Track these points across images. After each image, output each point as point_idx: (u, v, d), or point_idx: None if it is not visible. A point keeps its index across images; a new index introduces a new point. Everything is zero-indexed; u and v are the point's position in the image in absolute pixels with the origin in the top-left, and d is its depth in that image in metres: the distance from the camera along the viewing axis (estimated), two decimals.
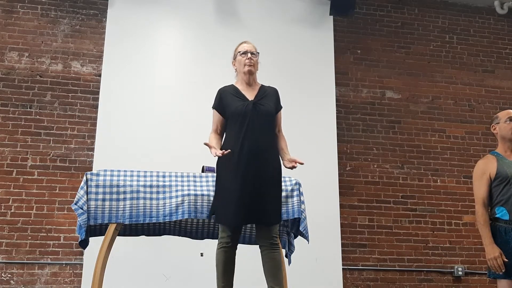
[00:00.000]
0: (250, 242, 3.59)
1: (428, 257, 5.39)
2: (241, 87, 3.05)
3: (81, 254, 4.69)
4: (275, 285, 2.84)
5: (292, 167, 2.90)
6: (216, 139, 2.99)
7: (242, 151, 2.84)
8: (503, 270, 2.77)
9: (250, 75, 3.05)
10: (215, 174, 3.33)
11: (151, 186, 3.22)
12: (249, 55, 3.03)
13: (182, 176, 3.29)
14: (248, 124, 2.88)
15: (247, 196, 2.79)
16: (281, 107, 3.11)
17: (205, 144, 2.86)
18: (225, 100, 3.00)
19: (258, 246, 2.94)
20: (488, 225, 2.87)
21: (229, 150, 2.79)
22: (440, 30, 6.16)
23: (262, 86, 3.11)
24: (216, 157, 2.89)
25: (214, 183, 3.02)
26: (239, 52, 3.07)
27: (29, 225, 4.74)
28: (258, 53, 3.09)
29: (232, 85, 3.10)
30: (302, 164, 2.88)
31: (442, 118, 5.85)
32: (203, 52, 5.38)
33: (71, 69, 5.19)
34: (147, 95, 5.14)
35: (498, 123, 3.04)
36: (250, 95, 3.01)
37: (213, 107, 3.07)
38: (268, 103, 3.00)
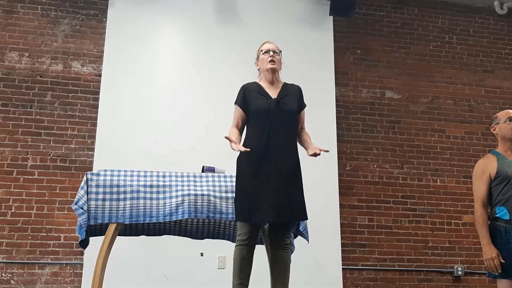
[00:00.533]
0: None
1: (428, 257, 5.39)
2: (265, 85, 3.07)
3: (81, 254, 4.70)
4: (281, 284, 2.84)
5: (315, 154, 2.88)
6: (237, 134, 2.99)
7: (265, 149, 2.85)
8: (499, 271, 2.77)
9: (273, 73, 3.07)
10: (215, 174, 3.35)
11: (151, 186, 3.22)
12: (271, 53, 3.06)
13: (182, 176, 3.30)
14: (271, 122, 2.90)
15: (269, 195, 2.78)
16: (305, 105, 3.12)
17: (226, 137, 2.85)
18: (249, 97, 3.01)
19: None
20: (487, 225, 2.86)
21: (249, 149, 2.80)
22: (439, 30, 6.17)
23: (285, 84, 3.12)
24: (233, 153, 2.90)
25: (234, 182, 3.01)
26: (262, 51, 3.10)
27: (29, 225, 4.75)
28: (281, 51, 3.13)
29: (255, 82, 3.12)
30: (327, 151, 2.90)
31: (442, 118, 5.85)
32: (203, 52, 5.38)
33: (71, 69, 5.20)
34: (147, 95, 5.15)
35: (498, 123, 3.04)
36: (273, 93, 3.02)
37: (236, 103, 3.07)
38: (291, 101, 3.01)
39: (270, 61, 3.04)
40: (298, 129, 3.10)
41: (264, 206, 2.77)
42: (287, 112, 2.96)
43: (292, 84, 3.14)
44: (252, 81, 3.13)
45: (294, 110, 3.01)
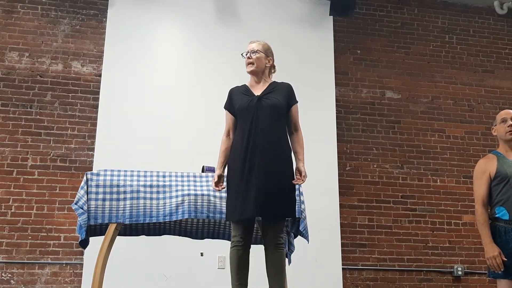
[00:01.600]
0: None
1: (428, 257, 5.39)
2: (250, 85, 3.08)
3: (81, 254, 4.70)
4: (277, 285, 2.84)
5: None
6: (226, 152, 2.99)
7: (249, 147, 2.84)
8: (502, 269, 2.77)
9: (254, 74, 3.06)
10: (214, 174, 3.35)
11: (151, 186, 3.23)
12: (248, 54, 3.06)
13: (182, 176, 3.30)
14: (253, 119, 2.88)
15: (254, 191, 2.77)
16: (295, 102, 3.05)
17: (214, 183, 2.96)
18: (234, 99, 3.03)
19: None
20: (488, 224, 2.87)
21: (222, 188, 2.95)
22: (439, 30, 6.17)
23: (274, 82, 3.10)
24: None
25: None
26: (242, 54, 3.11)
27: (29, 225, 4.74)
28: (258, 50, 3.04)
29: (244, 84, 3.12)
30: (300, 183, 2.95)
31: (442, 118, 5.85)
32: (203, 52, 5.38)
33: (71, 69, 5.20)
34: (147, 95, 5.15)
35: (496, 125, 3.09)
36: (258, 91, 3.01)
37: (224, 108, 3.09)
38: (275, 97, 2.96)
39: (246, 64, 3.06)
40: (290, 127, 3.03)
41: (244, 202, 2.77)
42: (269, 107, 2.91)
43: (282, 82, 3.10)
44: (241, 85, 3.13)
45: (277, 104, 2.94)
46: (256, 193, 2.76)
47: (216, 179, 2.95)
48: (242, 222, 2.85)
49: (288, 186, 2.88)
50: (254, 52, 3.05)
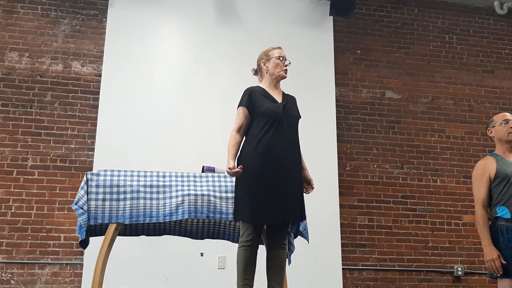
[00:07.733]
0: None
1: (428, 257, 5.40)
2: (269, 90, 3.11)
3: (81, 254, 4.70)
4: (277, 284, 2.85)
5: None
6: (237, 146, 2.98)
7: (279, 153, 2.89)
8: (501, 272, 2.77)
9: (278, 81, 3.15)
10: (215, 174, 3.34)
11: (151, 186, 3.23)
12: (286, 62, 3.15)
13: (182, 176, 3.30)
14: (279, 124, 2.94)
15: (286, 196, 2.83)
16: (300, 116, 3.18)
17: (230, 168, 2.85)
18: (255, 99, 3.02)
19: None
20: (488, 226, 2.87)
21: (240, 169, 2.84)
22: (439, 30, 6.17)
23: (283, 92, 3.19)
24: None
25: (235, 181, 3.01)
26: (277, 56, 3.14)
27: (29, 225, 4.75)
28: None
29: (259, 86, 3.14)
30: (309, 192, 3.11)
31: (442, 118, 5.85)
32: (203, 52, 5.38)
33: (71, 69, 5.20)
34: (147, 95, 5.15)
35: (494, 126, 3.07)
36: (277, 98, 3.09)
37: (243, 105, 3.04)
38: (294, 108, 3.13)
39: (284, 70, 3.12)
40: None
41: (274, 207, 2.80)
42: (293, 118, 3.05)
43: (289, 94, 3.22)
44: (255, 85, 3.14)
45: (297, 116, 3.11)
46: (287, 199, 2.84)
47: (231, 165, 2.86)
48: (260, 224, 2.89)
49: (302, 191, 3.03)
50: (287, 60, 3.17)
